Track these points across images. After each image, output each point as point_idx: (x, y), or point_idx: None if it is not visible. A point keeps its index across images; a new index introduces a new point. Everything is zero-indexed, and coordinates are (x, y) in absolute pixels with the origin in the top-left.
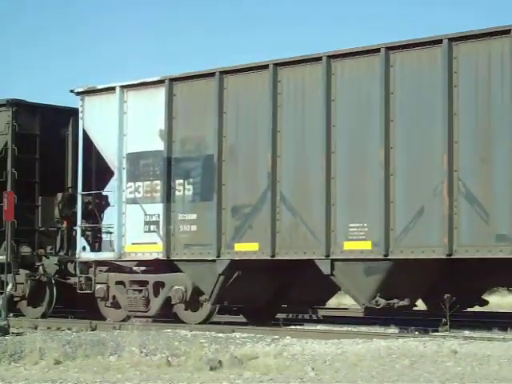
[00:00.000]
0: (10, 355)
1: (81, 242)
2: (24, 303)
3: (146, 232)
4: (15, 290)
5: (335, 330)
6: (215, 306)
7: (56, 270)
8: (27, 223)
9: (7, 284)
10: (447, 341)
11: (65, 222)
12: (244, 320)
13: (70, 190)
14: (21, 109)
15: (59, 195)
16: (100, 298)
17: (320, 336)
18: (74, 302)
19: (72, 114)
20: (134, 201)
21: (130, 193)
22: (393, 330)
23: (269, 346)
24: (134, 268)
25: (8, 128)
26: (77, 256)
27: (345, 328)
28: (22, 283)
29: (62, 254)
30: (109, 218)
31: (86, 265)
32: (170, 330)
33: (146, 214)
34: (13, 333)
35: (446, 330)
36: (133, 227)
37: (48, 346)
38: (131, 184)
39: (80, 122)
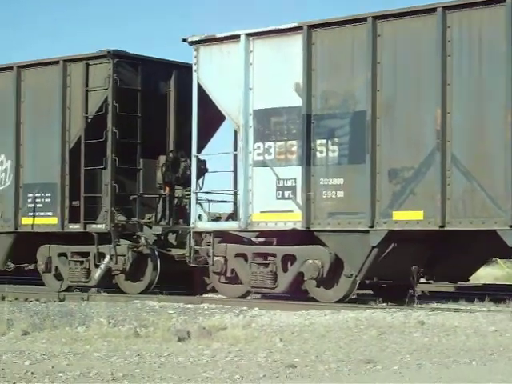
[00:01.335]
0: None
1: (196, 210)
2: (122, 277)
3: (278, 199)
4: (116, 263)
5: (303, 302)
6: (356, 283)
7: (154, 241)
8: (128, 188)
9: (103, 256)
10: (415, 312)
11: (167, 187)
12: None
13: (172, 152)
14: (122, 61)
15: (162, 158)
16: (216, 273)
17: (288, 307)
18: (173, 277)
19: (175, 67)
20: (263, 163)
21: (258, 154)
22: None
23: (237, 317)
24: (253, 239)
25: (108, 82)
26: (191, 225)
27: None
28: (124, 255)
29: (163, 222)
30: (209, 183)
31: (199, 236)
32: (138, 301)
33: (278, 179)
34: None
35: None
36: (262, 193)
37: (16, 316)
38: (259, 144)
39: (194, 75)
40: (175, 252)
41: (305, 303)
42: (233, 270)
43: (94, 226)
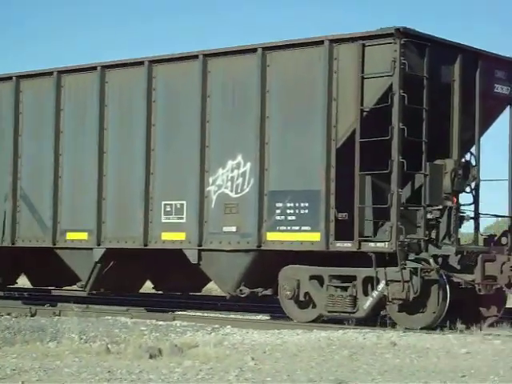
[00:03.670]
0: None
1: None
2: (395, 308)
3: None
4: (402, 290)
5: (275, 321)
6: None
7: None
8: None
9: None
10: (387, 333)
11: (454, 198)
12: None
13: (462, 155)
14: (409, 41)
15: (449, 161)
16: None
17: (260, 326)
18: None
19: (460, 51)
20: None
21: None
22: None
23: (209, 335)
24: None
25: (393, 67)
26: None
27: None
28: (407, 281)
29: (447, 241)
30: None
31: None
32: (110, 317)
33: None
34: None
35: None
36: None
37: None
38: None
39: None
40: (462, 277)
41: (277, 322)
42: None
43: (371, 244)
